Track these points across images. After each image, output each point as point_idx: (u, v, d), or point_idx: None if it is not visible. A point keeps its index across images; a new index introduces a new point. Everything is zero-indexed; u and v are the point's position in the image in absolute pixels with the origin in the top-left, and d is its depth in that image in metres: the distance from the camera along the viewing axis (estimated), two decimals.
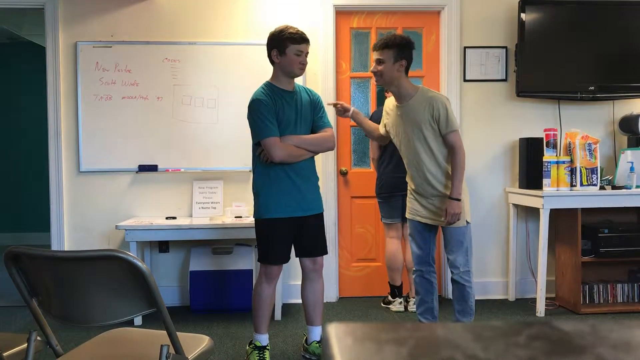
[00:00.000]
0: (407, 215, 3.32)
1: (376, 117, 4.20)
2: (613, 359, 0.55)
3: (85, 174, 4.39)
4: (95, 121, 4.36)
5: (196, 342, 2.00)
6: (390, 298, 4.29)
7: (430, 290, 3.32)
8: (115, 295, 1.73)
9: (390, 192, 4.12)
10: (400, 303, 4.22)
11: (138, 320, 3.95)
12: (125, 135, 4.38)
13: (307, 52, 3.07)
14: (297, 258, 3.24)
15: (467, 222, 3.18)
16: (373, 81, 4.65)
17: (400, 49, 3.13)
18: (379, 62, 3.15)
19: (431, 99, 3.10)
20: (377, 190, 4.21)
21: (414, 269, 3.34)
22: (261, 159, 3.07)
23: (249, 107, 3.02)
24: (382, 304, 4.39)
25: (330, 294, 4.54)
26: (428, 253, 3.30)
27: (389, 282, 4.27)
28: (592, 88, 4.43)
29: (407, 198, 3.33)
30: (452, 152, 3.10)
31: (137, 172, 4.41)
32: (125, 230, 3.95)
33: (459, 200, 3.09)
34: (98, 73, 4.35)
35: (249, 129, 3.08)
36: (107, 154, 4.38)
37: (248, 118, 3.05)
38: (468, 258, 3.21)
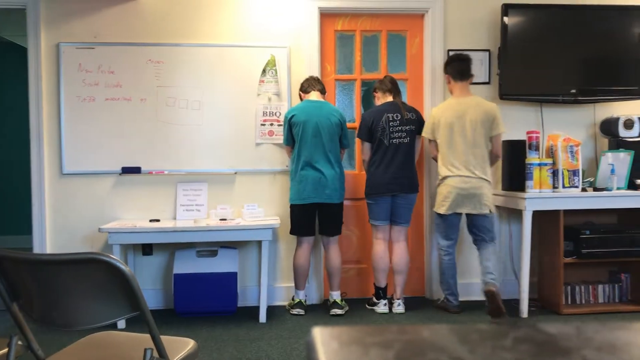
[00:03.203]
0: None
1: (367, 117, 4.19)
2: None
3: (68, 176, 4.35)
4: (78, 123, 4.32)
5: (180, 346, 1.99)
6: (375, 299, 4.30)
7: None
8: (98, 299, 1.71)
9: (380, 193, 4.12)
10: (385, 305, 4.22)
11: (122, 324, 3.92)
12: (108, 137, 4.35)
13: None
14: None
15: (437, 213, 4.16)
16: (358, 83, 4.66)
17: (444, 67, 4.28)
18: None
19: None
20: (366, 191, 4.22)
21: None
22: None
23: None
24: (366, 306, 4.39)
25: (314, 295, 4.54)
26: None
27: (374, 284, 4.28)
28: (574, 91, 4.48)
29: None
30: None
31: (120, 174, 4.38)
32: (109, 233, 3.91)
33: None
34: (81, 74, 4.31)
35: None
36: (90, 156, 4.34)
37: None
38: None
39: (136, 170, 4.36)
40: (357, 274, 4.68)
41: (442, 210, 4.10)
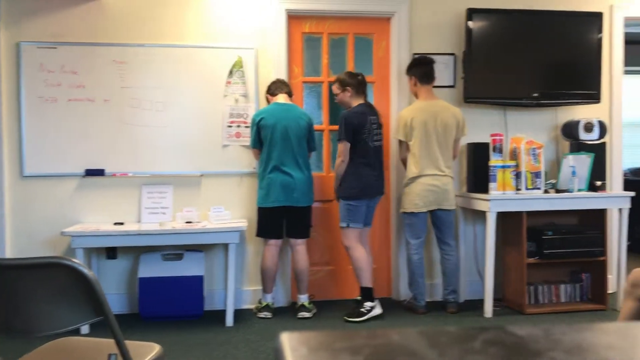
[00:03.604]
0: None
1: (352, 118, 4.11)
2: None
3: (29, 179, 4.25)
4: (39, 124, 4.22)
5: (146, 350, 1.96)
6: (370, 304, 4.07)
7: None
8: (61, 304, 1.68)
9: (368, 195, 4.12)
10: (379, 304, 4.13)
11: (85, 329, 3.83)
12: (71, 139, 4.26)
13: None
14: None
15: (403, 212, 4.29)
16: (325, 86, 4.67)
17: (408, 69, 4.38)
18: None
19: None
20: (351, 193, 4.10)
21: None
22: None
23: None
24: (347, 319, 4.09)
25: (282, 298, 4.52)
26: None
27: (362, 287, 4.10)
28: (537, 95, 4.57)
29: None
30: None
31: (83, 177, 4.29)
32: (72, 236, 3.84)
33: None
34: (43, 74, 4.21)
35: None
36: (52, 158, 4.24)
37: None
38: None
39: (100, 172, 4.28)
40: (324, 277, 4.68)
41: (415, 209, 4.19)
